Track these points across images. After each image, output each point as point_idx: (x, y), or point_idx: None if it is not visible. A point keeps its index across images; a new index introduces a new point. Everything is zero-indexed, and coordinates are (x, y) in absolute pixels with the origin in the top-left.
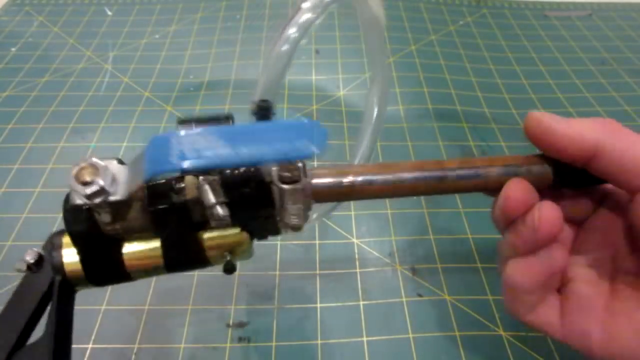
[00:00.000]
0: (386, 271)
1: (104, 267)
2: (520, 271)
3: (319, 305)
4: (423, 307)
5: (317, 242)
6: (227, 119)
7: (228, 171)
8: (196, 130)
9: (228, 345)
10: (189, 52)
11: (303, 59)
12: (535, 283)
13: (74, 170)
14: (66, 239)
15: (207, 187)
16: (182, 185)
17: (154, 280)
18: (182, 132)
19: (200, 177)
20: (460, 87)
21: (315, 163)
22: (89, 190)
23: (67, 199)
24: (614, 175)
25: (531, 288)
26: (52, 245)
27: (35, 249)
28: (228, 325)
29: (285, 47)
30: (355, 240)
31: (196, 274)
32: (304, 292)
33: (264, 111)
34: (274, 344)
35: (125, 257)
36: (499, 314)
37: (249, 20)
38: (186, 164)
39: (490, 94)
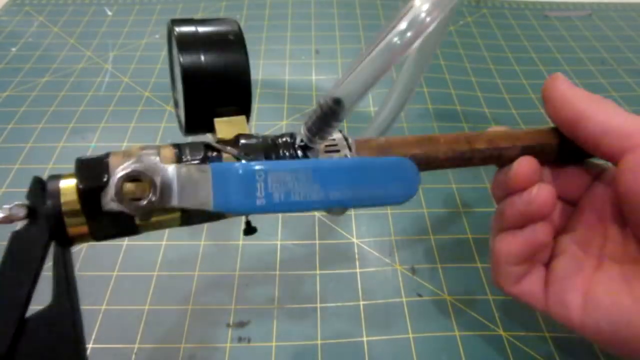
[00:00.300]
0: (386, 271)
1: (112, 222)
2: (506, 243)
3: (319, 305)
4: (423, 307)
5: (317, 242)
6: (233, 22)
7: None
8: (283, 165)
9: (228, 345)
10: None
11: (303, 59)
12: (519, 256)
13: (119, 181)
14: (64, 185)
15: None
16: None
17: (154, 280)
18: (268, 168)
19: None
20: (460, 87)
21: None
22: (133, 206)
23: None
24: (597, 141)
25: (514, 260)
26: (48, 193)
27: (20, 203)
28: (228, 325)
29: (385, 48)
30: (355, 240)
31: (196, 274)
32: (304, 292)
33: (332, 113)
34: (274, 344)
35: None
36: (499, 314)
37: (249, 20)
38: (271, 208)
39: (490, 94)
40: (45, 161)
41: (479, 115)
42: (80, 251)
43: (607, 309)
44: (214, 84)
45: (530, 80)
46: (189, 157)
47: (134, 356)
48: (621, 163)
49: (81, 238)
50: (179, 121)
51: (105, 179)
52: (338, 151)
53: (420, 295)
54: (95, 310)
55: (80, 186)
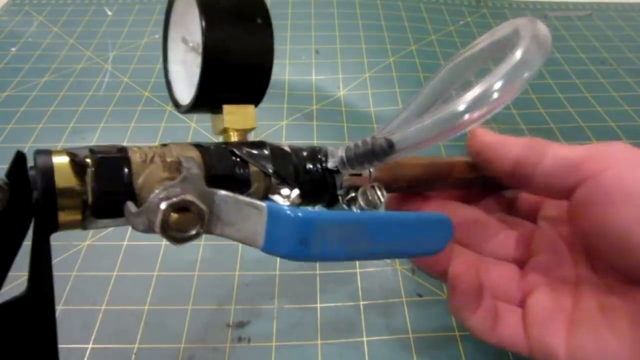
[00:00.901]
0: (386, 271)
1: (114, 218)
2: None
3: (319, 305)
4: (423, 307)
5: None
6: (262, 2)
7: (301, 174)
8: (342, 217)
9: (228, 345)
10: None
11: (303, 59)
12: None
13: (166, 211)
14: (58, 162)
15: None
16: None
17: (154, 280)
18: (326, 219)
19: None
20: (460, 87)
21: None
22: (177, 236)
23: (111, 160)
24: (541, 185)
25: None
26: (38, 171)
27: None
28: (228, 325)
29: (450, 118)
30: None
31: (196, 274)
32: (304, 292)
33: (382, 153)
34: (274, 344)
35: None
36: None
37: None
38: (323, 256)
39: None
40: None
41: None
42: (81, 251)
43: (594, 356)
44: (236, 65)
45: (530, 80)
46: (215, 165)
47: (134, 356)
48: (575, 197)
49: (68, 225)
50: (172, 96)
51: (129, 184)
52: (360, 175)
53: (420, 295)
54: (95, 310)
55: (99, 190)
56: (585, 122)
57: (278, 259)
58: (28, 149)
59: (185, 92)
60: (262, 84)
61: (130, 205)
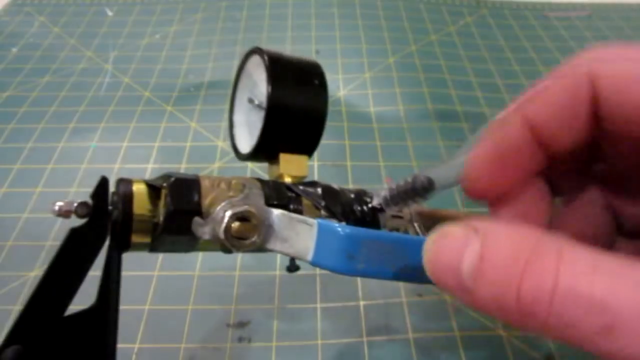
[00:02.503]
0: None
1: (178, 242)
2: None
3: (319, 305)
4: (423, 307)
5: None
6: (318, 66)
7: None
8: (388, 238)
9: (228, 345)
10: (189, 52)
11: None
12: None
13: (230, 219)
14: (137, 191)
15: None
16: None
17: (154, 280)
18: (373, 236)
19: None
20: (460, 87)
21: (316, 163)
22: (236, 243)
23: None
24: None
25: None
26: (120, 196)
27: (85, 201)
28: (228, 325)
29: None
30: None
31: (196, 274)
32: (304, 292)
33: (423, 191)
34: (274, 344)
35: (198, 244)
36: None
37: (249, 20)
38: (368, 273)
39: (490, 94)
40: (45, 161)
41: (479, 115)
42: None
43: None
44: (293, 122)
45: (530, 80)
46: (272, 195)
47: (134, 356)
48: None
49: (139, 246)
50: (234, 144)
51: (198, 204)
52: (402, 217)
53: (420, 295)
54: None
55: (172, 207)
56: None
57: (278, 259)
58: (29, 149)
59: (246, 141)
60: (315, 137)
61: (198, 219)
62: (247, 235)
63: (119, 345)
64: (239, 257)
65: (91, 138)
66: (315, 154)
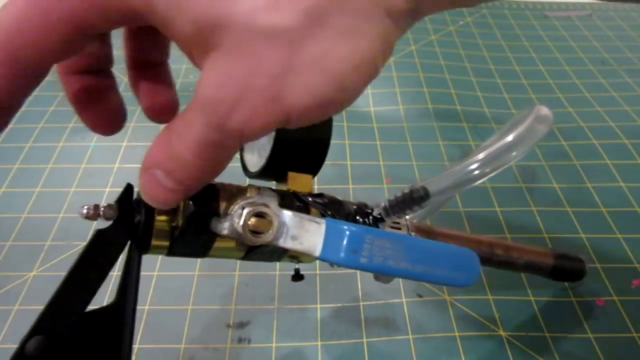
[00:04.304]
0: None
1: (194, 246)
2: None
3: (319, 305)
4: (423, 307)
5: None
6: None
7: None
8: (389, 235)
9: (228, 345)
10: None
11: None
12: None
13: (248, 214)
14: None
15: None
16: None
17: (154, 280)
18: (375, 234)
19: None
20: (460, 87)
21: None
22: (252, 237)
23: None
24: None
25: None
26: (144, 202)
27: (112, 204)
28: (228, 326)
29: (464, 172)
30: None
31: (196, 274)
32: (304, 292)
33: (419, 200)
34: (274, 345)
35: (212, 247)
36: (499, 314)
37: None
38: (370, 267)
39: (490, 94)
40: (45, 161)
41: (479, 115)
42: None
43: None
44: (300, 146)
45: (530, 80)
46: (282, 202)
47: (134, 356)
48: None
49: (157, 249)
50: (243, 164)
51: (217, 207)
52: (400, 229)
53: (420, 296)
54: None
55: (195, 208)
56: (585, 122)
57: None
58: (28, 148)
59: (254, 161)
60: (319, 160)
61: (216, 218)
62: (263, 229)
63: None
64: None
65: (90, 138)
66: None
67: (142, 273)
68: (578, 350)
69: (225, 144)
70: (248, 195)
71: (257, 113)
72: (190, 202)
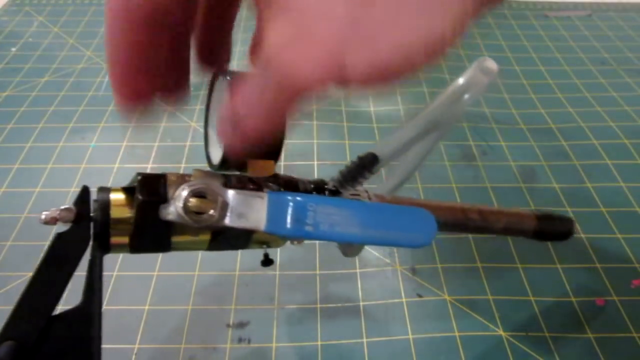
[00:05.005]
0: (386, 271)
1: (152, 238)
2: None
3: (319, 305)
4: (423, 307)
5: (317, 242)
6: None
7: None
8: (334, 201)
9: (228, 345)
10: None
11: None
12: None
13: (188, 194)
14: (114, 197)
15: None
16: None
17: (154, 280)
18: (319, 201)
19: None
20: None
21: (316, 163)
22: (195, 218)
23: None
24: None
25: None
26: (98, 202)
27: (69, 207)
28: (228, 326)
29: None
30: None
31: (196, 274)
32: (304, 292)
33: (369, 165)
34: (274, 345)
35: (173, 239)
36: (499, 314)
37: (249, 20)
38: (316, 235)
39: (490, 94)
40: (45, 161)
41: (479, 115)
42: None
43: None
44: None
45: (530, 80)
46: (234, 185)
47: (134, 356)
48: None
49: (119, 248)
50: (208, 156)
51: (164, 194)
52: (359, 196)
53: (420, 296)
54: None
55: (141, 198)
56: (585, 122)
57: (278, 258)
58: (28, 148)
59: (217, 153)
60: (276, 145)
61: (163, 205)
62: (205, 209)
63: (119, 346)
64: (238, 258)
65: (90, 138)
66: (315, 154)
67: (142, 273)
68: (578, 350)
69: (284, 95)
70: (192, 179)
71: (317, 66)
72: (139, 195)
